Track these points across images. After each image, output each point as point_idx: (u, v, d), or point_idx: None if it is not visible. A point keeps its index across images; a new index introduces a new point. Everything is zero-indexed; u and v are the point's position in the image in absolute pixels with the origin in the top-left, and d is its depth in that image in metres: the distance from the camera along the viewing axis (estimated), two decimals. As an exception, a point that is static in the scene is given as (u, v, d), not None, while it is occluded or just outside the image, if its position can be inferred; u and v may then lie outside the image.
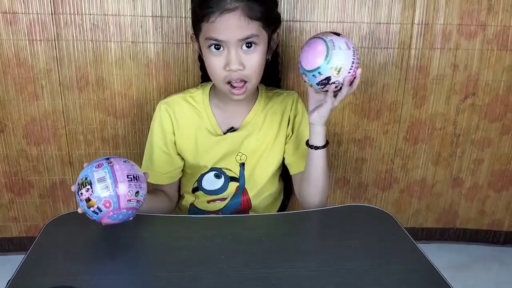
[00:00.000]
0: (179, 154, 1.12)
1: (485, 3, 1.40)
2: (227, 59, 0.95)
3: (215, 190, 1.13)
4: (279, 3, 1.33)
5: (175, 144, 1.10)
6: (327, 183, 1.06)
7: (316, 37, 0.89)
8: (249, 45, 0.95)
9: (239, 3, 0.92)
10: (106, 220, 0.80)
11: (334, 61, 0.85)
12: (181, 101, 1.09)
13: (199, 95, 1.10)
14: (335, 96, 0.91)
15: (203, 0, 0.96)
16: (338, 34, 0.89)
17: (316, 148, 1.00)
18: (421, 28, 1.41)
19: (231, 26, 0.93)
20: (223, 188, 1.13)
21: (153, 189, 1.14)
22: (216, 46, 0.95)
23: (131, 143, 1.46)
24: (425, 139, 1.57)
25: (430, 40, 1.43)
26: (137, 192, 0.81)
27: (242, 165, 1.11)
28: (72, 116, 1.41)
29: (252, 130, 1.10)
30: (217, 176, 1.12)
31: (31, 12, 1.29)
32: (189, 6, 1.30)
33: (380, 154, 1.58)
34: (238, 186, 1.13)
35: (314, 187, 1.05)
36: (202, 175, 1.13)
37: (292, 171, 1.14)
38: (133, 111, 1.42)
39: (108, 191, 0.77)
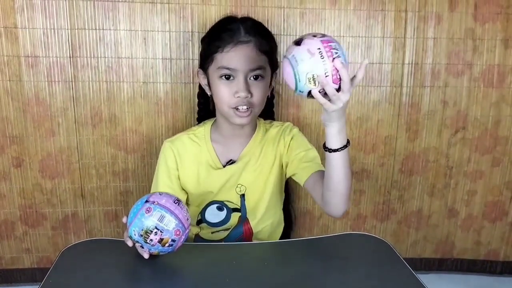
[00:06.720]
0: (183, 190, 1.17)
1: (470, 44, 1.51)
2: (237, 87, 1.02)
3: (218, 222, 1.18)
4: (279, 45, 1.44)
5: (179, 179, 1.16)
6: (350, 189, 0.98)
7: (286, 58, 0.84)
8: (257, 76, 1.04)
9: (251, 37, 1.03)
10: (180, 245, 0.89)
11: (303, 77, 0.81)
12: (184, 138, 1.16)
13: (201, 131, 1.17)
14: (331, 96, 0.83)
15: (219, 32, 1.06)
16: (300, 41, 0.82)
17: (330, 150, 0.92)
18: (411, 67, 1.51)
19: (244, 56, 1.02)
20: (226, 219, 1.18)
21: None
22: (227, 76, 1.03)
23: (140, 176, 1.54)
24: (419, 171, 1.64)
25: (420, 79, 1.53)
26: (187, 210, 0.90)
27: (242, 196, 1.16)
28: (86, 151, 1.49)
29: (249, 161, 1.15)
30: (220, 209, 1.17)
31: (51, 56, 1.39)
32: (195, 50, 1.42)
33: (377, 186, 1.65)
34: (240, 216, 1.17)
35: (338, 195, 0.97)
36: (205, 208, 1.18)
37: (302, 181, 1.11)
38: (142, 146, 1.50)
39: (173, 223, 0.85)
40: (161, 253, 0.88)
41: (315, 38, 0.82)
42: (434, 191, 1.67)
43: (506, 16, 1.49)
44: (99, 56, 1.41)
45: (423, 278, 0.85)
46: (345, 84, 0.81)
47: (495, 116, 1.59)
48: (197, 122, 1.28)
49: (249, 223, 1.19)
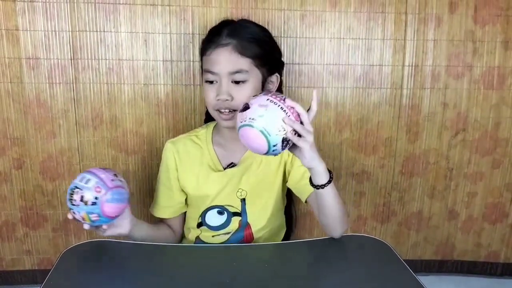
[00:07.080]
0: (183, 191, 1.18)
1: (470, 46, 1.51)
2: (218, 90, 1.04)
3: (218, 226, 1.18)
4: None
5: (178, 180, 1.17)
6: (344, 212, 1.04)
7: (242, 127, 0.85)
8: (239, 80, 1.04)
9: (232, 40, 1.03)
10: (108, 207, 0.91)
11: (271, 128, 0.83)
12: (186, 140, 1.18)
13: (203, 133, 1.19)
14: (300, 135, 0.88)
15: (207, 36, 1.09)
16: (247, 105, 0.86)
17: (321, 187, 0.97)
18: (411, 69, 1.52)
19: (222, 59, 1.03)
20: (226, 223, 1.17)
21: (157, 221, 1.21)
22: (211, 79, 1.05)
23: (141, 178, 1.54)
24: (420, 173, 1.64)
25: (420, 81, 1.53)
26: (115, 175, 0.95)
27: (243, 200, 1.16)
28: (87, 152, 1.49)
29: (251, 166, 1.15)
30: (220, 213, 1.17)
31: (52, 58, 1.39)
32: (196, 52, 1.42)
33: (377, 187, 1.65)
34: (240, 220, 1.17)
35: (333, 220, 1.02)
36: (205, 211, 1.17)
37: (303, 198, 1.14)
38: (143, 148, 1.51)
39: (93, 181, 0.90)
40: (91, 218, 0.91)
41: (258, 95, 0.87)
42: (434, 192, 1.67)
43: (506, 18, 1.49)
44: (100, 58, 1.41)
45: (423, 279, 0.86)
46: (304, 116, 0.87)
47: (495, 118, 1.59)
48: (204, 123, 1.29)
49: (251, 228, 1.18)
